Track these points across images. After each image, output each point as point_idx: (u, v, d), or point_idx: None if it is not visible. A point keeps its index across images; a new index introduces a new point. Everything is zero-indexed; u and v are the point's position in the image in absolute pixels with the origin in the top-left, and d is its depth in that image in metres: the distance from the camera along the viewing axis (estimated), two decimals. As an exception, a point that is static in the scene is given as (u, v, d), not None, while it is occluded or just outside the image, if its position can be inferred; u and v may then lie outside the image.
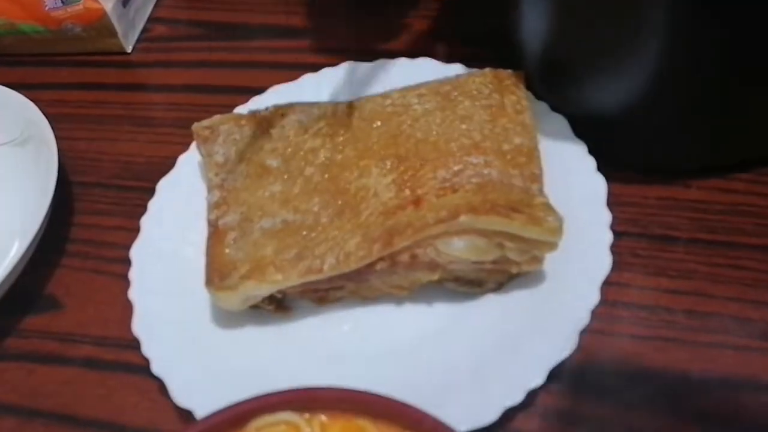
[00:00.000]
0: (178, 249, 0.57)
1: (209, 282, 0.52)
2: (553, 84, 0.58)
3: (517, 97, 0.57)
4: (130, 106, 0.71)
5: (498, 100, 0.56)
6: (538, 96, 0.59)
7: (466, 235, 0.50)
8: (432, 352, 0.51)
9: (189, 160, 0.62)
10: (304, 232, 0.53)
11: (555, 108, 0.58)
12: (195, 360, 0.52)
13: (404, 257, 0.51)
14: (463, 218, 0.49)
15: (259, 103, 0.63)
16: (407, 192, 0.52)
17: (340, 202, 0.54)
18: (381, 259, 0.50)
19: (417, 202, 0.52)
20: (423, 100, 0.58)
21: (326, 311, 0.55)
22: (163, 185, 0.61)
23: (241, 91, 0.65)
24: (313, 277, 0.51)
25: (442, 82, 0.59)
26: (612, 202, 0.53)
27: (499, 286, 0.53)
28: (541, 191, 0.52)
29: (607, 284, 0.49)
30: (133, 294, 0.55)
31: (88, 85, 0.73)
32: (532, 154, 0.54)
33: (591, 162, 0.56)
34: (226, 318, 0.54)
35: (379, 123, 0.57)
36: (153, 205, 0.60)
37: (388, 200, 0.52)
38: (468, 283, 0.53)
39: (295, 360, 0.52)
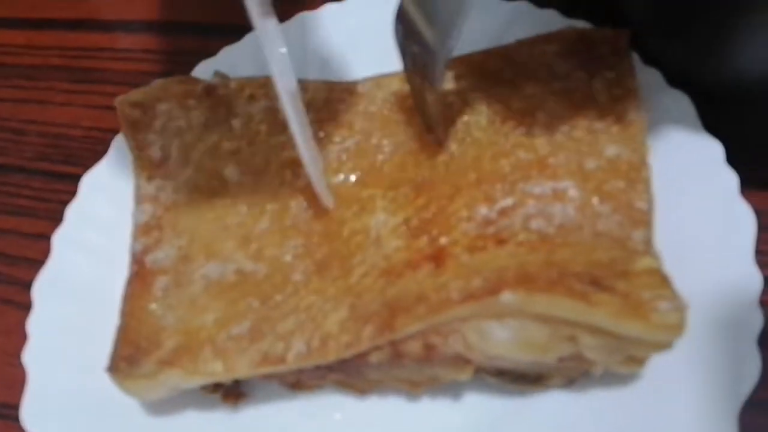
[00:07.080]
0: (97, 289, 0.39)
1: (113, 366, 0.34)
2: (676, 42, 0.37)
3: (616, 73, 0.35)
4: (70, 53, 0.54)
5: (582, 81, 0.35)
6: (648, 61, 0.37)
7: (513, 320, 0.30)
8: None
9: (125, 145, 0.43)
10: (267, 293, 0.34)
11: (675, 82, 0.38)
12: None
13: (414, 347, 0.32)
14: (506, 296, 0.29)
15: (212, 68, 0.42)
16: (424, 240, 0.33)
17: (325, 250, 0.34)
18: (377, 347, 0.31)
19: (438, 257, 0.32)
20: (460, 84, 0.36)
21: (304, 396, 0.37)
22: (88, 184, 0.43)
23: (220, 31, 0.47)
24: (270, 369, 0.33)
25: (490, 52, 0.37)
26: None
27: (571, 382, 0.34)
28: (648, 243, 0.31)
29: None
30: (27, 358, 0.38)
31: (19, 21, 0.57)
32: (637, 176, 0.33)
33: (730, 177, 0.35)
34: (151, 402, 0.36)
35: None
36: (71, 215, 0.42)
37: (393, 252, 0.33)
38: (519, 379, 0.34)
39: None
